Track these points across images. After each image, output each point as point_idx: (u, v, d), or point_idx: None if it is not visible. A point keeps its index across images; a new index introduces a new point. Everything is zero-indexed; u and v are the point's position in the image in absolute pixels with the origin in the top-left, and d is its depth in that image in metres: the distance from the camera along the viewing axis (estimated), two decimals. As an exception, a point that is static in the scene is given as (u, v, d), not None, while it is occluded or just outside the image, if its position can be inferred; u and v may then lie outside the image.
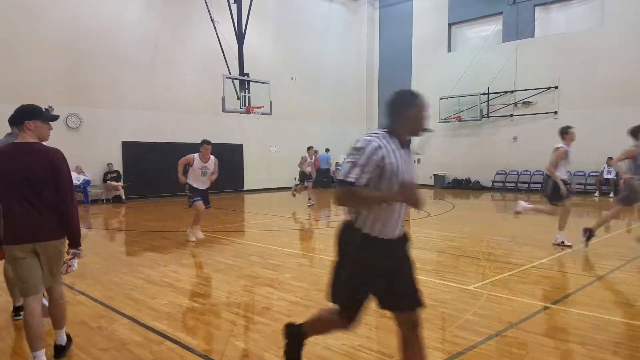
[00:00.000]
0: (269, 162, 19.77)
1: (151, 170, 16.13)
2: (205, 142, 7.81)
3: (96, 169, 15.15)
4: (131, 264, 6.70)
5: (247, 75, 15.63)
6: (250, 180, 19.38)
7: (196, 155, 7.76)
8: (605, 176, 16.35)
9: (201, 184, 7.88)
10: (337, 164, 22.06)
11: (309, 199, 13.88)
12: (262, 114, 15.72)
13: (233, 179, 18.87)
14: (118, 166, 15.64)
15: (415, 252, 7.51)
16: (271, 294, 5.11)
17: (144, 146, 16.20)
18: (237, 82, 15.23)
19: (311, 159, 13.91)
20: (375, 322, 4.27)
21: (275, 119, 18.01)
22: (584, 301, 4.74)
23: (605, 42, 16.70)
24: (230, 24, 15.94)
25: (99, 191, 15.13)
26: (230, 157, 18.64)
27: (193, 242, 7.97)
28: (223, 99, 14.27)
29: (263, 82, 15.69)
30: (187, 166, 7.79)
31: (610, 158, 16.10)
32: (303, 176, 13.90)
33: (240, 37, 15.96)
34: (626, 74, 16.14)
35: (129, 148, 15.94)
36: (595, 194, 16.42)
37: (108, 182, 15.15)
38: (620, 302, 4.73)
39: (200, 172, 7.80)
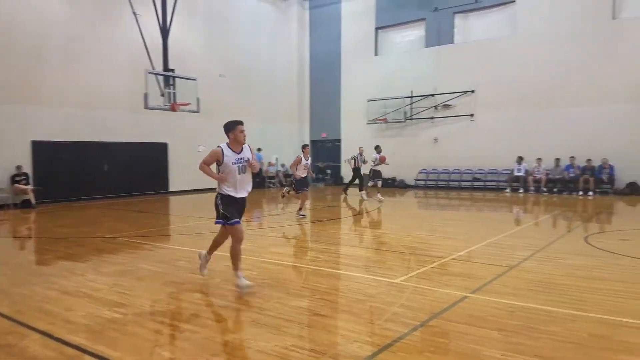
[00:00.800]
0: (197, 161, 19.12)
1: (65, 172, 15.03)
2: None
3: (2, 172, 13.85)
4: (43, 274, 6.20)
5: (172, 70, 15.05)
6: (176, 181, 18.69)
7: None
8: (515, 174, 17.65)
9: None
10: (269, 164, 21.91)
11: (300, 208, 11.11)
12: (189, 111, 15.21)
13: (157, 180, 18.09)
14: (28, 168, 14.40)
15: (346, 249, 7.69)
16: (200, 299, 4.96)
17: (56, 146, 15.03)
18: (161, 78, 14.62)
19: (307, 159, 11.16)
20: (307, 320, 4.29)
21: (203, 117, 17.52)
22: (499, 290, 5.08)
23: (517, 49, 18.03)
24: (154, 17, 15.27)
25: (5, 195, 13.84)
26: (153, 157, 17.86)
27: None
28: (146, 96, 13.62)
29: (189, 79, 15.19)
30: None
31: (521, 157, 17.45)
32: (299, 183, 11.07)
33: (164, 31, 15.34)
34: (537, 79, 17.54)
35: (40, 148, 14.72)
36: (507, 190, 17.68)
37: (15, 185, 13.90)
38: (532, 289, 5.12)
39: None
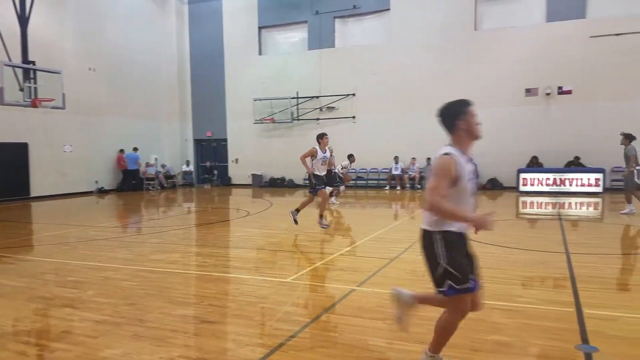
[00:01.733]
0: (62, 163, 17.30)
1: None
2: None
3: None
4: None
5: (33, 63, 13.43)
6: (38, 185, 16.68)
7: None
8: (393, 172, 18.88)
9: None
10: (147, 164, 20.60)
11: (321, 216, 8.88)
12: (53, 107, 13.69)
13: (15, 185, 15.98)
14: None
15: (236, 252, 7.51)
16: (71, 314, 4.45)
17: None
18: (20, 71, 12.95)
19: (325, 152, 9.17)
20: (195, 328, 4.09)
21: (70, 114, 15.91)
22: (382, 281, 5.36)
23: (393, 55, 19.28)
24: (11, 4, 13.46)
25: None
26: (11, 158, 15.75)
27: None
28: (1, 90, 11.97)
29: (53, 72, 13.69)
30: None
31: (397, 157, 18.71)
32: (317, 181, 9.04)
33: (23, 19, 13.61)
34: (410, 84, 18.90)
35: None
36: (386, 188, 18.83)
37: None
38: (411, 279, 5.49)
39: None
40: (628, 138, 10.37)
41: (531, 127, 17.18)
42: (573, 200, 13.98)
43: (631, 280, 5.28)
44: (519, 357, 3.44)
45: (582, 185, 15.41)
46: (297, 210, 9.07)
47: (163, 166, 21.56)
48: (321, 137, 9.14)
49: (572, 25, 16.50)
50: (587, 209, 12.63)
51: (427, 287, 5.16)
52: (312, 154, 8.99)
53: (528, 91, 17.23)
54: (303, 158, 9.05)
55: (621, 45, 15.82)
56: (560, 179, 15.70)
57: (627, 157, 10.33)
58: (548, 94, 16.95)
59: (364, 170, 19.92)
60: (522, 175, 16.33)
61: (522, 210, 12.66)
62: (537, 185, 15.98)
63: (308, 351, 3.49)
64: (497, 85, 17.55)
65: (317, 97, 20.70)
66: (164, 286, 5.36)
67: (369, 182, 19.91)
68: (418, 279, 5.43)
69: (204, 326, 4.07)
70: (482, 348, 3.55)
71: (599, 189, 15.18)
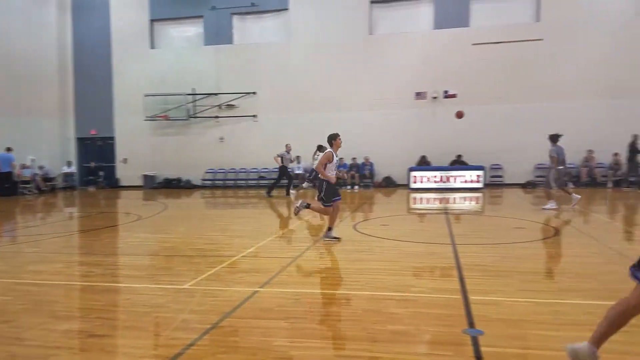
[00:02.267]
0: None
1: None
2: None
3: None
4: None
5: None
6: None
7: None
8: (296, 172, 18.98)
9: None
10: (22, 166, 18.45)
11: (329, 228, 7.77)
12: None
13: None
14: None
15: (126, 259, 6.99)
16: None
17: None
18: None
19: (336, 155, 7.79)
20: (81, 344, 3.71)
21: None
22: (285, 280, 5.34)
23: (292, 55, 19.41)
24: None
25: None
26: None
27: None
28: None
29: None
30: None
31: (299, 156, 18.86)
32: (330, 190, 7.63)
33: None
34: (310, 84, 19.18)
35: None
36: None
37: None
38: (313, 276, 5.54)
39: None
40: (551, 139, 11.14)
41: (420, 128, 18.39)
42: (457, 195, 15.22)
43: (508, 266, 5.86)
44: (414, 345, 3.62)
45: (465, 181, 16.86)
46: (330, 229, 7.66)
47: (41, 168, 19.47)
48: (335, 138, 7.57)
49: (457, 33, 17.97)
50: (470, 203, 13.82)
51: (331, 283, 5.29)
52: (329, 159, 7.44)
53: (418, 94, 18.42)
54: (321, 168, 7.38)
55: (500, 53, 17.56)
56: (446, 176, 17.02)
57: (550, 157, 11.07)
58: (435, 98, 18.27)
59: (267, 170, 19.81)
60: (413, 174, 17.42)
61: (412, 206, 13.49)
62: (426, 182, 17.15)
63: (209, 358, 3.34)
64: (390, 88, 18.51)
65: (216, 94, 20.15)
66: (45, 300, 4.81)
67: (272, 181, 19.76)
68: (322, 276, 5.51)
69: (92, 341, 3.72)
70: (380, 338, 3.67)
71: (480, 185, 16.73)
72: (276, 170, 16.14)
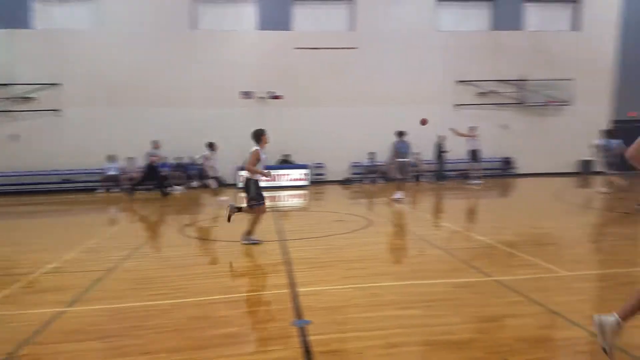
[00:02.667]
0: None
1: None
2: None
3: None
4: None
5: None
6: None
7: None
8: (108, 173, 17.08)
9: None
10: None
11: (249, 231, 7.19)
12: None
13: None
14: None
15: None
16: None
17: None
18: None
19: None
20: None
21: None
22: (99, 296, 4.76)
23: (105, 45, 17.50)
24: None
25: None
26: None
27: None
28: None
29: None
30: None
31: (112, 156, 17.04)
32: (258, 191, 7.14)
33: None
34: (125, 78, 17.53)
35: None
36: (100, 190, 16.76)
37: None
38: (132, 288, 5.04)
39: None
40: (397, 134, 12.44)
41: (249, 128, 18.33)
42: (285, 193, 15.74)
43: (331, 257, 6.23)
44: (244, 345, 3.57)
45: (292, 179, 17.54)
46: (250, 232, 7.13)
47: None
48: (262, 134, 7.27)
49: (280, 36, 18.50)
50: (296, 200, 14.42)
51: (152, 293, 4.86)
52: (258, 158, 7.02)
53: (245, 94, 18.46)
54: (252, 167, 6.98)
55: (321, 58, 18.64)
56: (275, 175, 17.46)
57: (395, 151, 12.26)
58: (262, 98, 18.56)
59: (73, 172, 17.47)
60: (241, 173, 17.41)
61: (241, 205, 13.48)
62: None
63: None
64: (216, 86, 18.16)
65: (7, 84, 17.08)
66: None
67: (79, 185, 17.50)
68: (142, 287, 5.05)
69: None
70: (208, 344, 3.52)
71: (306, 182, 17.59)
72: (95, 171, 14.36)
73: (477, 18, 19.70)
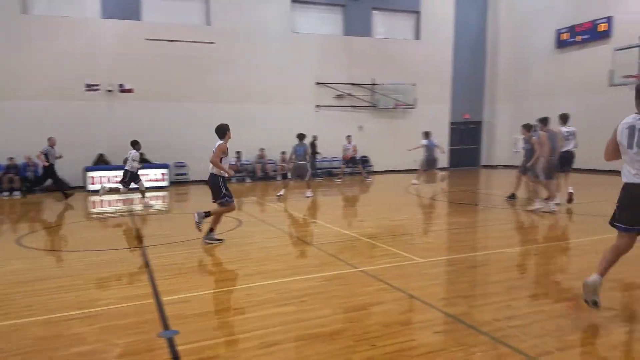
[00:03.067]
0: None
1: None
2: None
3: None
4: None
5: None
6: None
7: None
8: None
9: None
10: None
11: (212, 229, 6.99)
12: None
13: None
14: None
15: None
16: None
17: None
18: None
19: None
20: None
21: None
22: None
23: None
24: None
25: None
26: None
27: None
28: None
29: None
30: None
31: None
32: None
33: None
34: None
35: None
36: None
37: None
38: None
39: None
40: (298, 137, 12.59)
41: (95, 124, 16.75)
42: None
43: (198, 261, 5.96)
44: (105, 364, 3.20)
45: (151, 180, 16.38)
46: (212, 230, 6.96)
47: None
48: (228, 129, 6.97)
49: (128, 25, 17.09)
50: (157, 202, 13.52)
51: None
52: (224, 152, 6.76)
53: (89, 86, 16.68)
54: (217, 161, 6.63)
55: (176, 52, 17.70)
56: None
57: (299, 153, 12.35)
58: (110, 91, 17.01)
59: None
60: (90, 174, 15.77)
61: (93, 210, 12.22)
62: (107, 183, 15.76)
63: None
64: (55, 77, 16.10)
65: None
66: None
67: None
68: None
69: None
70: (61, 369, 3.08)
71: (166, 183, 16.58)
72: None
73: (331, 22, 20.63)
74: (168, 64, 17.55)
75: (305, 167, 12.70)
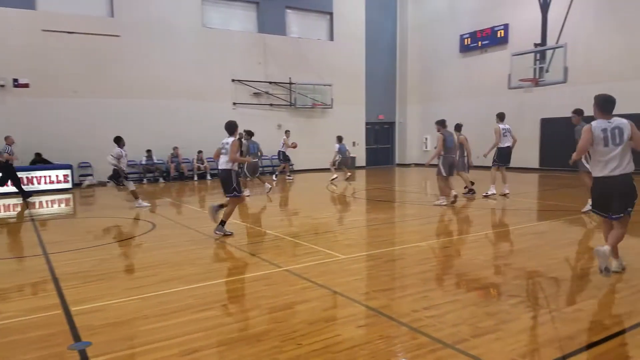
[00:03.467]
0: None
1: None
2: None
3: None
4: None
5: None
6: None
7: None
8: None
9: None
10: None
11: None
12: None
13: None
14: None
15: None
16: None
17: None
18: None
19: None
20: None
21: None
22: None
23: None
24: None
25: None
26: None
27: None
28: None
29: None
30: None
31: None
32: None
33: None
34: None
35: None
36: None
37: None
38: None
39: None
40: (247, 133, 12.61)
41: (-13, 119, 15.09)
42: (44, 198, 13.42)
43: (109, 268, 5.57)
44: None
45: (52, 182, 15.03)
46: (224, 222, 7.21)
47: None
48: (237, 126, 7.39)
49: (21, 15, 15.57)
50: (60, 206, 12.46)
51: None
52: (239, 147, 7.48)
53: (-23, 80, 15.00)
54: (236, 156, 7.14)
55: (77, 44, 16.39)
56: (28, 177, 14.69)
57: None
58: (2, 86, 15.39)
59: None
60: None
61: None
62: (3, 187, 14.28)
63: None
64: None
65: None
66: None
67: None
68: None
69: None
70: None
71: (69, 185, 15.31)
72: None
73: (245, 19, 20.31)
74: (69, 57, 16.27)
75: (258, 164, 12.98)
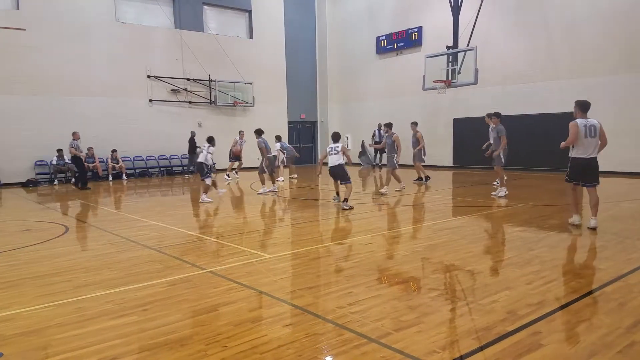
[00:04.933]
0: None
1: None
2: None
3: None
4: None
5: None
6: None
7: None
8: None
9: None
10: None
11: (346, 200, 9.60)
12: None
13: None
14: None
15: None
16: None
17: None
18: None
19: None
20: None
21: None
22: None
23: None
24: None
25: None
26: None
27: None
28: None
29: None
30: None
31: None
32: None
33: None
34: None
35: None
36: None
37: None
38: None
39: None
40: (257, 133, 12.37)
41: None
42: None
43: (19, 274, 5.14)
44: None
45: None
46: (347, 200, 9.45)
47: None
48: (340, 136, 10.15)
49: None
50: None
51: None
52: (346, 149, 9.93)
53: None
54: (349, 154, 9.87)
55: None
56: None
57: (260, 149, 12.37)
58: None
59: None
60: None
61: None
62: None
63: None
64: None
65: None
66: None
67: None
68: None
69: None
70: None
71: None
72: None
73: (160, 14, 19.54)
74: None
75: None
